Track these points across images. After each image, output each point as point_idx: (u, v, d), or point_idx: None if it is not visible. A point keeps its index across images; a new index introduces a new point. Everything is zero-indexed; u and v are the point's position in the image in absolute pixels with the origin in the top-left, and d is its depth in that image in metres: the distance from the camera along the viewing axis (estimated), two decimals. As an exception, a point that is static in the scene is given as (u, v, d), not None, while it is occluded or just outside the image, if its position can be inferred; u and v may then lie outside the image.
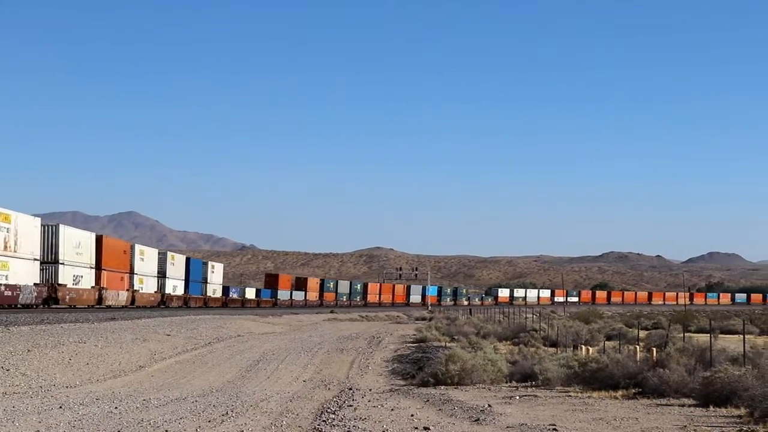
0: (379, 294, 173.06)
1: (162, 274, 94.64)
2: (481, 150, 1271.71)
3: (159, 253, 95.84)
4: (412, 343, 55.60)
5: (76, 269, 71.88)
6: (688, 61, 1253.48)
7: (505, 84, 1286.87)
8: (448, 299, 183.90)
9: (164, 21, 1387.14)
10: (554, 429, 19.82)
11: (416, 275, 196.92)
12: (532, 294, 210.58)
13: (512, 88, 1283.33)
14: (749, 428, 19.45)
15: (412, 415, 22.24)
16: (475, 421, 21.30)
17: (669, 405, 24.37)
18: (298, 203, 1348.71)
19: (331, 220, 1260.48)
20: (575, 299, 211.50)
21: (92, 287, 74.36)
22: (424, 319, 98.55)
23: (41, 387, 27.76)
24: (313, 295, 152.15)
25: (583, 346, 40.27)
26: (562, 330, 53.77)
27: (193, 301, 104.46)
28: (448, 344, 50.72)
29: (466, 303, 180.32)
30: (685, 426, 20.17)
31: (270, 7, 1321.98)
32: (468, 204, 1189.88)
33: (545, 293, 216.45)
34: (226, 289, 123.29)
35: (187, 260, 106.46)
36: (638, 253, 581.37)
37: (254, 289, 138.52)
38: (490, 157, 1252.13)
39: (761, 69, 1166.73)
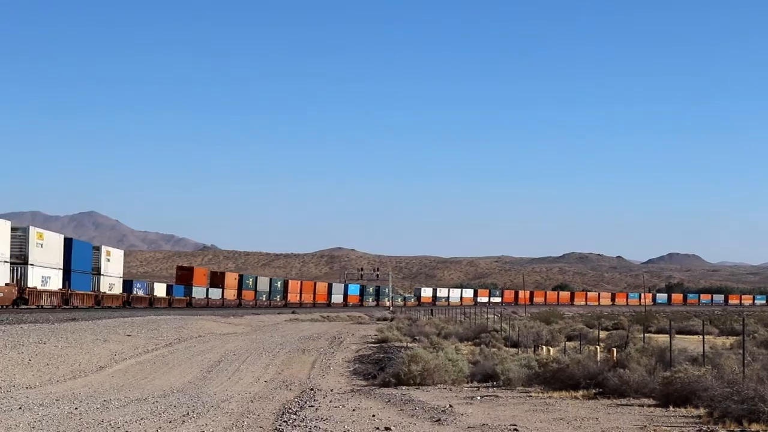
0: (300, 293, 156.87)
1: (21, 260, 68.59)
2: (444, 152, 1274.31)
3: (15, 230, 68.91)
4: (374, 343, 55.62)
5: None
6: (649, 69, 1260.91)
7: (461, 86, 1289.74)
8: (371, 299, 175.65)
9: (127, 27, 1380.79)
10: (515, 429, 19.86)
11: (377, 276, 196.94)
12: (455, 294, 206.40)
13: (467, 91, 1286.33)
14: (709, 428, 19.57)
15: (373, 416, 22.24)
16: (437, 421, 21.33)
17: (629, 405, 24.49)
18: (260, 204, 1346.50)
19: (293, 221, 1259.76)
20: (498, 299, 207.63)
21: None
22: (385, 319, 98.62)
23: (0, 388, 27.55)
24: (231, 294, 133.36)
25: (544, 347, 40.48)
26: (523, 330, 53.98)
27: (78, 298, 79.55)
28: (409, 345, 50.77)
29: (388, 304, 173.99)
30: (645, 426, 20.27)
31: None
32: (430, 205, 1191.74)
33: (468, 293, 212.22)
34: (128, 284, 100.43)
35: (68, 242, 79.45)
36: (599, 254, 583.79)
37: (164, 285, 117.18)
38: (453, 159, 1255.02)
39: (723, 76, 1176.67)
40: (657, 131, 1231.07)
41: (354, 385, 32.81)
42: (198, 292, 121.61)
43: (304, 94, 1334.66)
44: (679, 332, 66.70)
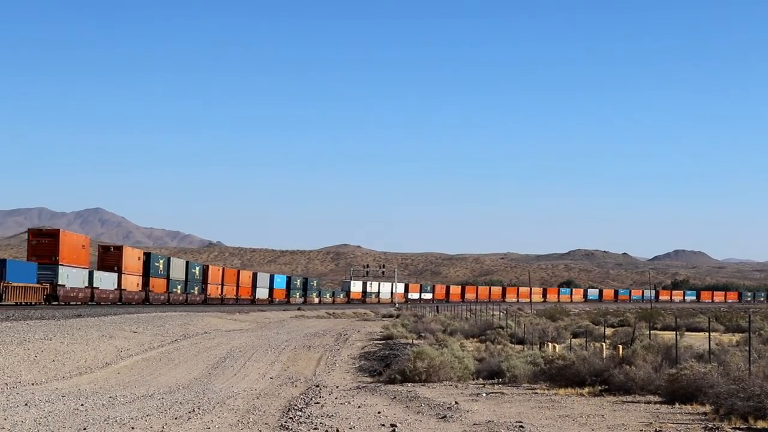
0: (222, 284, 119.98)
1: None
2: (449, 148, 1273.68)
3: None
4: (379, 340, 55.63)
5: None
6: (654, 62, 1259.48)
7: (466, 84, 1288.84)
8: (298, 294, 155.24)
9: (128, 22, 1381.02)
10: (521, 426, 19.86)
11: (383, 272, 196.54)
12: (385, 289, 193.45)
13: (472, 88, 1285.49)
14: (714, 425, 19.56)
15: (379, 412, 22.25)
16: (442, 418, 21.33)
17: (635, 402, 24.50)
18: (266, 200, 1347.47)
19: (299, 218, 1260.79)
20: (429, 295, 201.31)
21: None
22: (391, 316, 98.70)
23: (6, 384, 27.58)
24: (132, 282, 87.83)
25: (549, 344, 40.42)
26: (528, 327, 53.94)
27: None
28: (414, 341, 50.79)
29: (316, 300, 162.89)
30: (651, 423, 20.27)
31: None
32: (436, 202, 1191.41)
33: (399, 288, 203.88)
34: None
35: None
36: (604, 251, 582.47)
37: None
38: (458, 156, 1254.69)
39: (725, 69, 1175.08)
40: (662, 127, 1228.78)
41: (360, 381, 32.83)
42: (70, 277, 73.72)
43: (310, 89, 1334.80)
44: (686, 329, 66.64)
